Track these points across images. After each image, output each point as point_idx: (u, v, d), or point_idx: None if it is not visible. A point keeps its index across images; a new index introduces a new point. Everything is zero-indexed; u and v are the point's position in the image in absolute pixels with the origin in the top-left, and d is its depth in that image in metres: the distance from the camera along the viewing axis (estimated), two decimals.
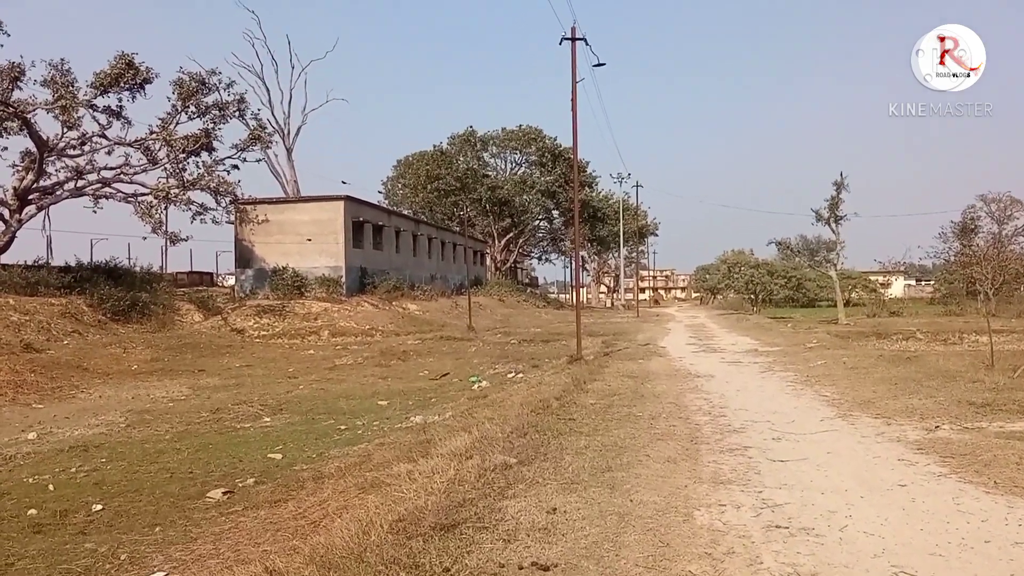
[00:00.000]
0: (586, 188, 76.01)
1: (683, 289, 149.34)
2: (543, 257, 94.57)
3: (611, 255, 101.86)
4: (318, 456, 10.18)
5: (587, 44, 22.46)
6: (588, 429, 9.44)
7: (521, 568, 4.70)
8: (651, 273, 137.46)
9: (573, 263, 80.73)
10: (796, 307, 61.50)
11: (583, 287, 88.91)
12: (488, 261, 75.01)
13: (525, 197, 74.22)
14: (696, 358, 20.24)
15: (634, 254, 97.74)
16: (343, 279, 39.62)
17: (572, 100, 21.23)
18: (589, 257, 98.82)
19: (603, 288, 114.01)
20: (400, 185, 77.37)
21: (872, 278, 68.37)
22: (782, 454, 8.08)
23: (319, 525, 6.22)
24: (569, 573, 4.64)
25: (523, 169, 78.01)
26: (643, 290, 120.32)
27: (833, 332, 29.23)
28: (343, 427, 12.57)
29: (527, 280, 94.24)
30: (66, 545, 6.70)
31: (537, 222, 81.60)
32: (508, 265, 78.19)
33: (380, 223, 46.60)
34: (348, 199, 42.34)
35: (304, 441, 11.45)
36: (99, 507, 7.96)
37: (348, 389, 17.82)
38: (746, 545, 5.21)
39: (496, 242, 75.60)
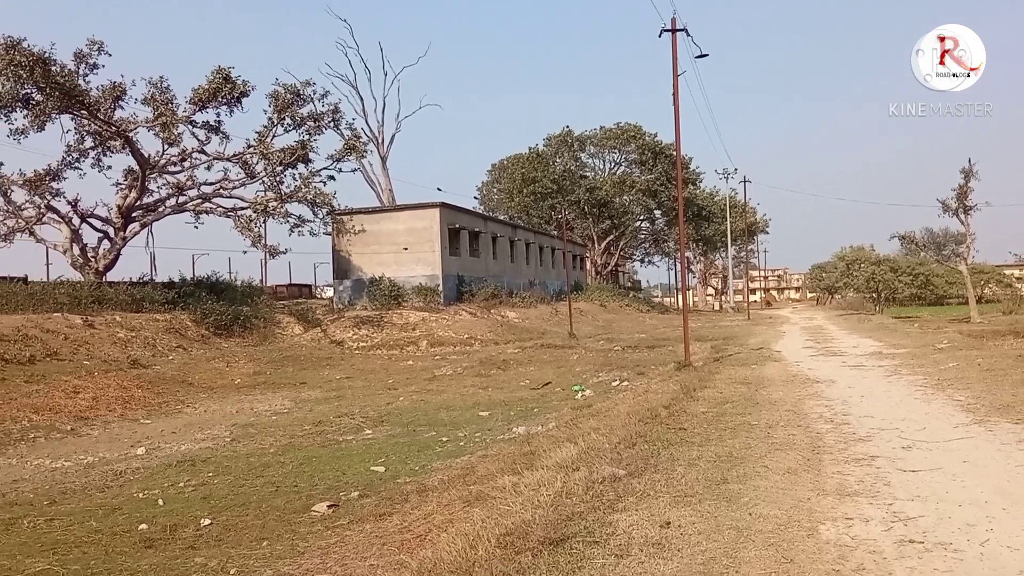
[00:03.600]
0: (690, 185, 74.94)
1: (797, 289, 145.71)
2: (645, 259, 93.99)
3: (718, 255, 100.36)
4: (421, 469, 10.28)
5: (688, 35, 22.12)
6: (700, 439, 9.28)
7: None
8: (762, 273, 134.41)
9: (678, 265, 79.75)
10: (923, 305, 59.12)
11: (689, 289, 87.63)
12: (588, 265, 74.78)
13: (625, 197, 73.77)
14: (814, 362, 19.66)
15: (743, 253, 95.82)
16: (440, 287, 40.18)
17: (674, 94, 20.98)
18: (695, 258, 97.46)
19: (710, 290, 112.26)
20: (496, 190, 78.18)
21: (1007, 272, 65.33)
22: (913, 464, 7.75)
23: (425, 539, 6.29)
24: None
25: (622, 168, 77.62)
26: (754, 291, 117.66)
27: (965, 331, 27.96)
28: (445, 439, 12.68)
29: (629, 284, 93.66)
30: (176, 560, 6.88)
31: (638, 223, 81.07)
32: (609, 269, 77.86)
33: (476, 229, 47.06)
34: (443, 206, 42.94)
35: (406, 453, 11.57)
36: (207, 521, 8.17)
37: (448, 400, 17.99)
38: (877, 561, 5.02)
39: (596, 245, 75.33)
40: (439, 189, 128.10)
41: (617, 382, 18.63)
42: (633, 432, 9.55)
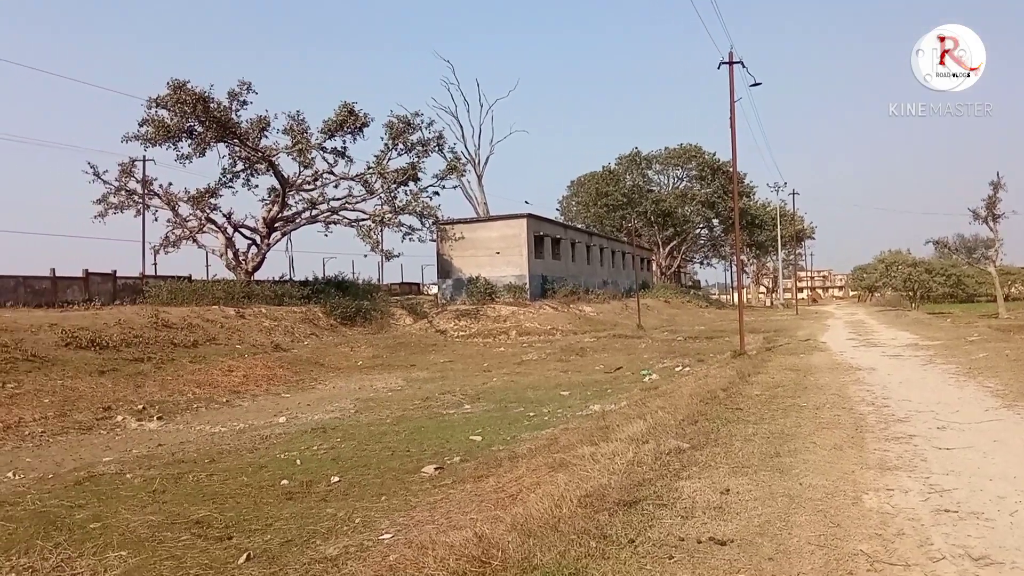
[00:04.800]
0: (744, 198, 73.34)
1: (840, 288, 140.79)
2: (704, 262, 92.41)
3: (769, 258, 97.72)
4: (512, 439, 10.24)
5: (744, 66, 21.59)
6: (755, 418, 9.05)
7: (700, 542, 4.57)
8: (808, 273, 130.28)
9: (734, 267, 78.09)
10: (955, 303, 56.49)
11: (744, 288, 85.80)
12: (654, 267, 73.89)
13: (686, 208, 72.69)
14: (857, 352, 18.94)
15: (792, 256, 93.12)
16: (527, 286, 40.22)
17: (731, 119, 20.54)
18: (748, 261, 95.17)
19: (762, 289, 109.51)
20: (574, 202, 77.81)
21: None
22: (948, 442, 7.40)
23: (516, 498, 6.29)
24: (745, 548, 4.47)
25: (684, 183, 76.43)
26: (801, 289, 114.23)
27: (994, 326, 26.62)
28: (532, 414, 12.63)
29: (690, 283, 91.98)
30: (312, 510, 7.03)
31: (698, 230, 79.72)
32: (672, 270, 76.74)
33: (558, 236, 46.96)
34: (530, 217, 42.97)
35: (499, 426, 11.55)
36: (336, 479, 8.31)
37: (534, 381, 17.94)
38: (916, 527, 4.82)
39: (660, 250, 74.39)
40: (526, 202, 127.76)
41: (680, 368, 18.33)
42: (695, 411, 9.39)
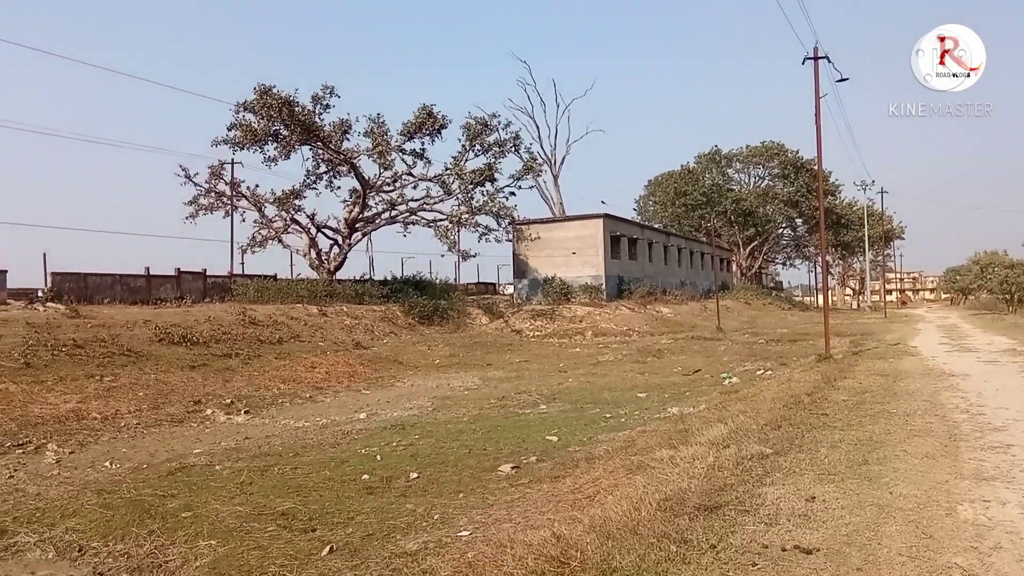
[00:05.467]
0: (829, 196, 71.07)
1: (932, 290, 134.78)
2: (787, 263, 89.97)
3: (856, 259, 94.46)
4: (588, 440, 10.17)
5: (829, 62, 20.91)
6: (841, 424, 8.75)
7: (784, 550, 4.46)
8: (898, 275, 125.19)
9: (819, 267, 75.73)
10: None
11: (828, 290, 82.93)
12: (734, 267, 72.39)
13: (768, 208, 70.99)
14: (950, 357, 18.09)
15: (880, 257, 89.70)
16: (603, 286, 40.00)
17: (816, 116, 19.91)
18: (834, 262, 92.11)
19: (848, 290, 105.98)
20: (651, 202, 76.94)
21: None
22: None
23: (594, 500, 6.26)
24: (832, 558, 4.33)
25: (766, 182, 74.66)
26: (890, 292, 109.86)
27: None
28: (608, 415, 12.51)
29: (771, 284, 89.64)
30: (392, 505, 7.14)
31: (780, 230, 77.71)
32: (753, 271, 75.04)
33: (634, 236, 46.54)
34: (606, 217, 42.71)
35: (575, 426, 11.48)
36: (415, 475, 8.40)
37: (610, 382, 17.79)
38: (1014, 541, 4.59)
39: (741, 250, 72.79)
40: (603, 202, 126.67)
41: (761, 371, 17.87)
42: (778, 416, 9.15)
